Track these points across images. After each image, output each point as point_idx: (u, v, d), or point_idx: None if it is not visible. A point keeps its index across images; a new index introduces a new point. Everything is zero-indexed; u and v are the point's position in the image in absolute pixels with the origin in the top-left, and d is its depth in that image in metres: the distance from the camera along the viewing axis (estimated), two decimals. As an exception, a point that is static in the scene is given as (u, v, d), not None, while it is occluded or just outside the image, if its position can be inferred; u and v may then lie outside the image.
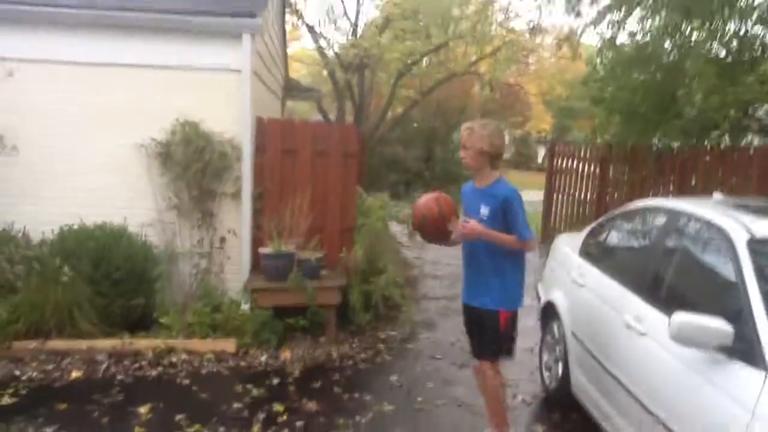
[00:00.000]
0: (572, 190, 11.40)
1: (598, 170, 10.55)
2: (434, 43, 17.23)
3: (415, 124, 20.75)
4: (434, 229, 3.75)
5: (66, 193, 5.99)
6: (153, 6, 6.11)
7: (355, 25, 18.49)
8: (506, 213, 3.59)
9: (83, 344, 5.18)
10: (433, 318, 6.83)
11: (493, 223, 3.60)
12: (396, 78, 18.19)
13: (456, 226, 3.66)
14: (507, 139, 32.75)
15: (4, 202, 5.90)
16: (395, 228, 9.00)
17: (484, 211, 3.65)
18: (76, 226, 5.73)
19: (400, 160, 18.74)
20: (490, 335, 3.75)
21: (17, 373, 4.84)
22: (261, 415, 4.30)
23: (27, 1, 5.92)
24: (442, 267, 9.27)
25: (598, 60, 9.11)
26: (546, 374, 4.92)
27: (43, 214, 5.87)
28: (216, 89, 6.13)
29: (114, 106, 6.05)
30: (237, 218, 6.24)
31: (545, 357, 4.98)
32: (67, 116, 6.03)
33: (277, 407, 4.43)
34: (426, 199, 3.82)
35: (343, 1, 19.05)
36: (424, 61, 18.97)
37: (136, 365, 5.11)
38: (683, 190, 7.92)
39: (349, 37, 18.11)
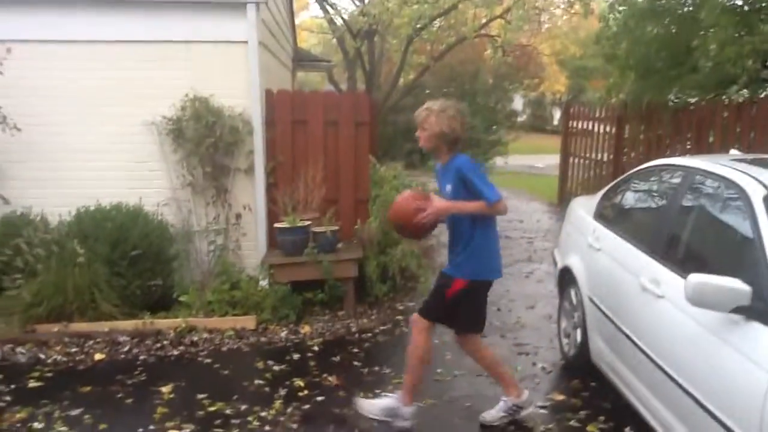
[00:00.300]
0: (588, 152, 11.27)
1: (613, 130, 10.41)
2: (443, 6, 16.92)
3: (428, 91, 20.52)
4: (415, 229, 3.70)
5: (80, 175, 6.03)
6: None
7: (362, -8, 18.21)
8: (466, 183, 3.54)
9: (105, 326, 5.25)
10: (450, 286, 6.81)
11: (457, 197, 3.58)
12: (406, 44, 17.95)
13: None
14: (522, 101, 32.59)
15: (20, 185, 5.97)
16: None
17: (449, 188, 3.65)
18: (92, 208, 5.77)
19: (414, 128, 18.61)
20: (433, 294, 3.79)
21: (42, 356, 4.93)
22: (282, 391, 4.35)
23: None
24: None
25: (611, 15, 8.92)
26: (564, 341, 4.90)
27: (59, 197, 5.92)
28: (223, 62, 6.10)
29: (122, 84, 6.04)
30: (251, 193, 6.25)
31: (563, 323, 4.96)
32: (76, 97, 6.03)
33: (298, 382, 4.47)
34: (400, 203, 3.76)
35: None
36: (434, 25, 18.68)
37: (158, 345, 5.18)
38: (701, 147, 7.79)
39: (357, 4, 17.86)
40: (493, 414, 3.92)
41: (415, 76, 20.45)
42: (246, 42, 6.06)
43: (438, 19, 18.27)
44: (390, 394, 4.01)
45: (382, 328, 5.62)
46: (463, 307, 3.72)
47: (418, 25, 16.88)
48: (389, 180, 7.56)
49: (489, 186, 3.53)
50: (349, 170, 6.52)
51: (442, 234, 9.19)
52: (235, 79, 6.10)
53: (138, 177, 6.11)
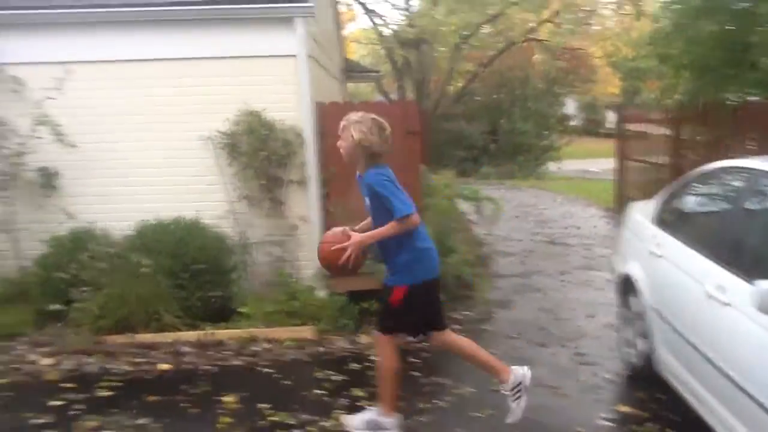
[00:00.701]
0: (645, 155, 11.03)
1: (670, 132, 10.16)
2: (490, 13, 16.88)
3: (478, 98, 20.45)
4: (344, 267, 3.60)
5: (140, 189, 6.22)
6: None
7: (408, 1, 18.32)
8: (379, 198, 3.53)
9: (168, 337, 5.40)
10: (508, 296, 6.78)
11: (378, 210, 3.59)
12: (454, 52, 17.96)
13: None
14: (573, 105, 32.09)
15: (84, 201, 6.19)
16: (463, 206, 8.94)
17: (367, 201, 3.66)
18: (152, 221, 5.95)
19: (465, 135, 18.58)
20: (382, 308, 3.85)
21: (110, 366, 5.08)
22: (341, 401, 4.38)
23: (81, 3, 6.14)
24: (513, 244, 9.17)
25: (664, 14, 8.74)
26: (628, 351, 4.79)
27: (121, 211, 6.12)
28: (274, 76, 6.22)
29: (178, 100, 6.21)
30: (306, 205, 6.34)
31: (626, 333, 4.86)
32: (134, 114, 6.22)
33: (357, 392, 4.50)
34: (321, 248, 3.70)
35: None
36: (482, 32, 18.64)
37: (220, 355, 5.27)
38: (764, 148, 7.53)
39: (404, 14, 17.97)
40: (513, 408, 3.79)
41: (463, 83, 20.41)
42: (295, 56, 6.17)
43: (485, 26, 18.23)
44: (371, 408, 4.00)
45: (438, 337, 5.60)
46: (416, 310, 3.72)
47: (467, 33, 16.89)
48: (441, 189, 7.56)
49: (399, 199, 3.50)
50: (400, 179, 6.51)
51: (495, 242, 9.21)
52: (286, 92, 6.22)
53: (195, 191, 6.26)
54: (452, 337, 3.96)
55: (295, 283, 6.13)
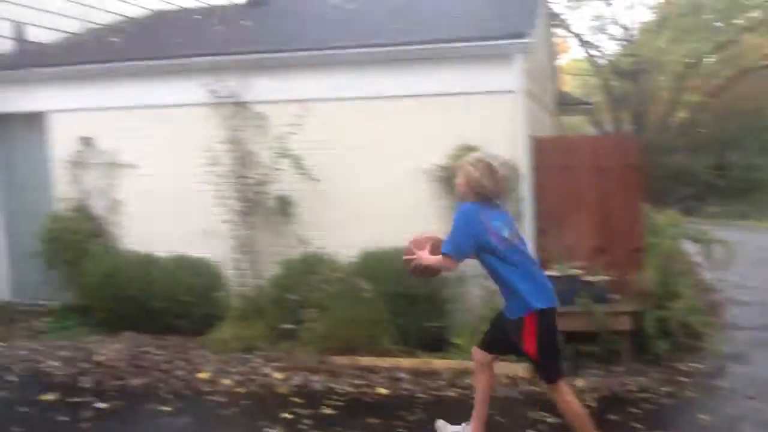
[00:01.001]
0: None
1: None
2: (719, 40, 15.65)
3: (703, 130, 18.97)
4: (411, 271, 4.17)
5: (365, 219, 6.58)
6: (426, 38, 6.53)
7: (627, 31, 17.60)
8: None
9: (387, 362, 5.63)
10: (744, 350, 6.14)
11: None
12: (677, 81, 16.88)
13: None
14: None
15: (315, 228, 6.69)
16: (689, 248, 8.28)
17: None
18: (375, 249, 6.26)
19: (688, 170, 17.27)
20: (523, 349, 3.90)
21: (333, 385, 5.39)
22: (556, 445, 4.25)
23: (317, 46, 6.70)
24: (748, 291, 8.34)
25: None
26: None
27: (347, 238, 6.51)
28: (490, 111, 6.32)
29: (398, 134, 6.56)
30: (520, 240, 6.28)
31: None
32: (359, 147, 6.65)
33: (574, 437, 4.32)
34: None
35: (613, 8, 18.17)
36: (707, 60, 17.34)
37: (435, 384, 5.37)
38: None
39: (622, 44, 17.29)
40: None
41: (687, 114, 19.07)
42: (512, 91, 6.22)
43: (713, 53, 16.95)
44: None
45: (663, 389, 5.21)
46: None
47: (692, 61, 15.81)
48: (665, 228, 7.10)
49: (450, 237, 3.85)
50: (620, 217, 6.27)
51: (728, 288, 8.37)
52: (502, 127, 6.27)
53: (414, 221, 6.43)
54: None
55: (507, 319, 6.08)
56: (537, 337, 3.80)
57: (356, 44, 6.73)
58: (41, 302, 7.81)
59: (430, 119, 6.48)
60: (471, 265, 6.21)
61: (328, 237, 6.61)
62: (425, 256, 3.99)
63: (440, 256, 3.88)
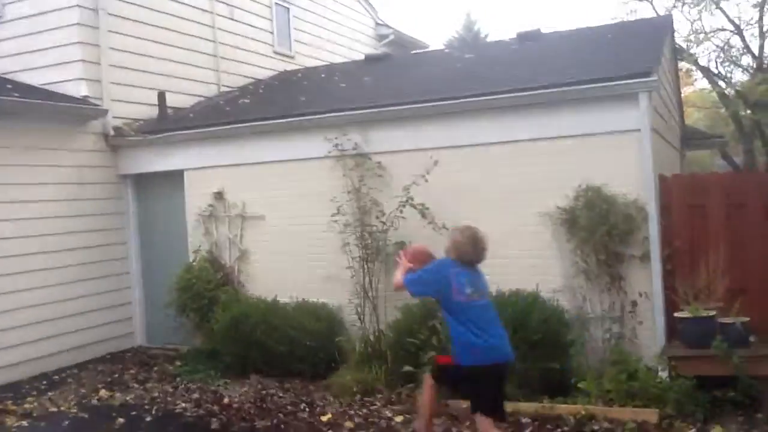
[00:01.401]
0: None
1: None
2: None
3: None
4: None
5: (484, 264, 6.56)
6: (544, 82, 6.52)
7: (759, 59, 16.69)
8: None
9: (509, 406, 5.51)
10: None
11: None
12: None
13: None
14: None
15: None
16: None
17: None
18: (494, 293, 6.23)
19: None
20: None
21: (454, 429, 5.41)
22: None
23: (432, 97, 6.94)
24: None
25: None
26: None
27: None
28: (615, 152, 6.20)
29: (520, 178, 6.56)
30: (647, 281, 6.09)
31: None
32: (482, 192, 6.71)
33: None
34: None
35: (742, 36, 17.27)
36: None
37: (560, 430, 5.25)
38: None
39: (753, 73, 16.38)
40: None
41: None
42: (638, 130, 6.09)
43: None
44: None
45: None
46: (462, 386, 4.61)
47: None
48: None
49: (417, 273, 4.56)
50: (758, 256, 5.92)
51: None
52: (627, 166, 6.15)
53: (534, 265, 6.44)
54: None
55: (634, 362, 5.84)
56: (458, 378, 4.49)
57: (471, 93, 6.83)
58: (171, 346, 8.39)
59: (552, 162, 6.43)
60: (595, 307, 6.17)
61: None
62: (401, 268, 4.71)
63: (404, 278, 4.59)
